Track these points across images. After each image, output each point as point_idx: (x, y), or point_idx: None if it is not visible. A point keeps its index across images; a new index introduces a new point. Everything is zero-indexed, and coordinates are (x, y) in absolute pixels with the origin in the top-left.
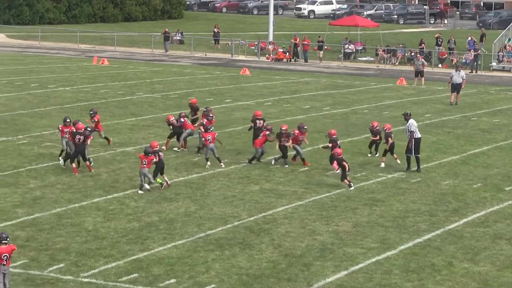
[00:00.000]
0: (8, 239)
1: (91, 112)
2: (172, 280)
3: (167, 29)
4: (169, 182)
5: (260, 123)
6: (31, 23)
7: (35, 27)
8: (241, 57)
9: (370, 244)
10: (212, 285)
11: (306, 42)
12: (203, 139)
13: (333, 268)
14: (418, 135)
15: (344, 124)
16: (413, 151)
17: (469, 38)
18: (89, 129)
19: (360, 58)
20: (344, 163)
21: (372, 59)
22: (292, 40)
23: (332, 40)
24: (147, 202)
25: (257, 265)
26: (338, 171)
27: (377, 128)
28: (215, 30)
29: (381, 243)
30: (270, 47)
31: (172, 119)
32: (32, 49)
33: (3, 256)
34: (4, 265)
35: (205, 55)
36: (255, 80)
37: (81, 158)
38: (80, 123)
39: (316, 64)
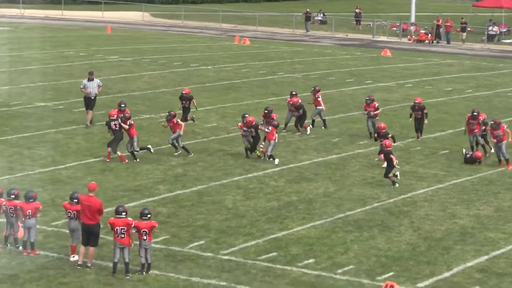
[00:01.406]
0: (149, 215)
1: (123, 105)
2: (311, 260)
3: (308, 9)
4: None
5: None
6: (174, 2)
7: (179, 6)
8: (383, 38)
9: None
10: (351, 266)
11: (449, 24)
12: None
13: (474, 252)
14: None
15: (487, 107)
16: None
17: None
18: (127, 114)
19: (504, 41)
20: (392, 156)
21: None
22: (435, 22)
23: (476, 22)
24: (287, 182)
25: (396, 247)
26: (385, 164)
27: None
28: (357, 10)
29: None
30: (412, 28)
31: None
32: (176, 28)
33: (142, 231)
34: (144, 240)
35: (346, 35)
36: (396, 62)
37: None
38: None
39: (459, 46)
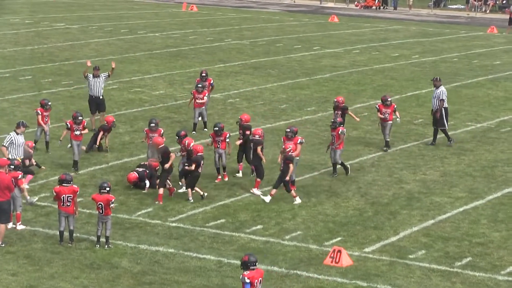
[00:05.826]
0: (107, 189)
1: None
2: (259, 226)
3: None
4: None
5: None
6: None
7: None
8: (330, 4)
9: (457, 194)
10: (298, 232)
11: None
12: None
13: (420, 217)
14: (445, 104)
15: (433, 72)
16: (444, 122)
17: None
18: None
19: (450, 6)
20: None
21: (462, 7)
22: None
23: None
24: (235, 148)
25: (343, 212)
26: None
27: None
28: None
29: (469, 192)
30: None
31: None
32: None
33: (98, 204)
34: (100, 213)
35: (294, 1)
36: (343, 28)
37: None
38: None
39: (405, 11)
